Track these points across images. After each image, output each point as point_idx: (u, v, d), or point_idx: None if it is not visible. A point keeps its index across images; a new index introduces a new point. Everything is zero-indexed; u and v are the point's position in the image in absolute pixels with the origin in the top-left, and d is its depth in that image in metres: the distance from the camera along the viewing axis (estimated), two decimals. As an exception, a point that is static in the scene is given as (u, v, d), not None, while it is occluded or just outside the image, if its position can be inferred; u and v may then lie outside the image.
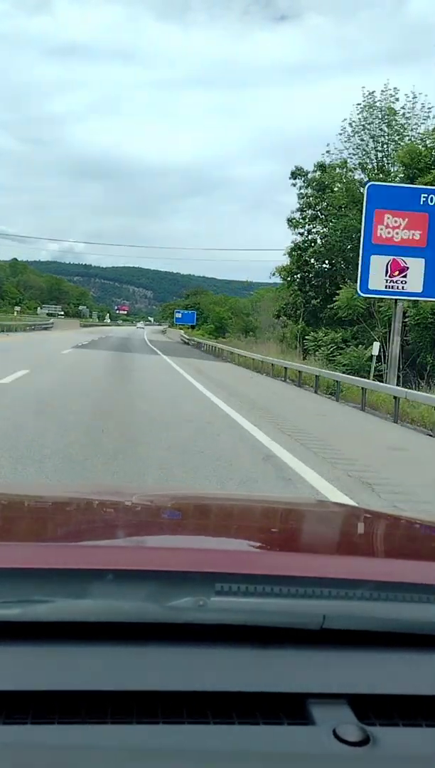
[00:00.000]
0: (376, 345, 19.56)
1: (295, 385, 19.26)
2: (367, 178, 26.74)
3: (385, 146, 29.12)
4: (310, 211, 30.88)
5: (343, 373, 19.43)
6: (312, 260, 31.26)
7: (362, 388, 14.62)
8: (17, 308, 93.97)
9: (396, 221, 17.54)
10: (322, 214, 30.40)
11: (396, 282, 17.64)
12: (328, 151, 30.38)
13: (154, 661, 0.83)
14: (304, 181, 30.95)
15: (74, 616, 0.84)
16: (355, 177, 29.94)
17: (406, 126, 28.89)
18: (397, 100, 28.61)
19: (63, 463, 6.16)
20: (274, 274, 34.79)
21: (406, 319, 20.93)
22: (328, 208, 29.64)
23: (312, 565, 1.03)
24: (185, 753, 0.73)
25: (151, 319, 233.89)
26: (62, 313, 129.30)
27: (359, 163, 30.08)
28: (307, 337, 28.81)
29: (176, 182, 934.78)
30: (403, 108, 28.65)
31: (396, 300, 18.29)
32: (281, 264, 33.41)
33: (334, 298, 26.96)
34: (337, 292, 26.73)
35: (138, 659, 0.83)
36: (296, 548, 1.34)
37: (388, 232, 17.57)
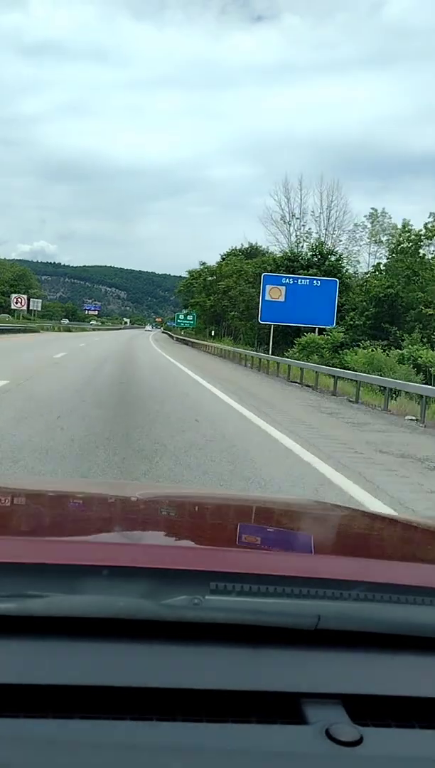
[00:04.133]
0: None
1: None
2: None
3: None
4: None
5: None
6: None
7: None
8: None
9: None
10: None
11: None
12: None
13: (148, 658, 0.83)
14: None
15: (69, 612, 0.83)
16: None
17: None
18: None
19: None
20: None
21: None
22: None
23: (307, 566, 1.03)
24: (178, 750, 0.72)
25: (127, 320, 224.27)
26: None
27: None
28: None
29: (151, 183, 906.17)
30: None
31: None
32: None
33: None
34: None
35: (132, 656, 0.83)
36: (292, 548, 1.34)
37: None
